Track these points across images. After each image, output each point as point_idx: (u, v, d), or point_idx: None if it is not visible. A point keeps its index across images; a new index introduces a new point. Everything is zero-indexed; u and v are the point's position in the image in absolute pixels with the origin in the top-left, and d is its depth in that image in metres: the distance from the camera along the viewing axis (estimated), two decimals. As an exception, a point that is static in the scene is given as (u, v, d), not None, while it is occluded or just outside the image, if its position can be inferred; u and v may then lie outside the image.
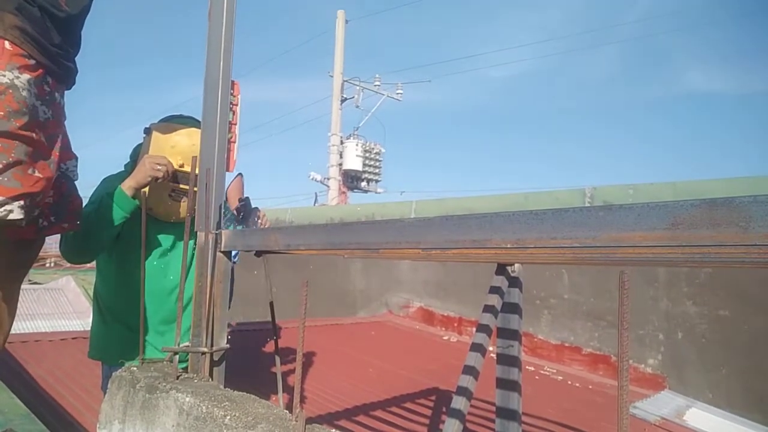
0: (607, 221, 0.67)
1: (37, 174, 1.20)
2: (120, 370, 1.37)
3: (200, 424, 1.05)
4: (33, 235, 1.33)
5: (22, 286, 1.50)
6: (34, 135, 1.19)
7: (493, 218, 0.80)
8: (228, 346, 1.39)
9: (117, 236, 1.71)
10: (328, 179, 15.21)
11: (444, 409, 2.75)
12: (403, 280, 5.50)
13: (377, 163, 16.45)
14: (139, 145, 1.79)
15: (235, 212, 1.96)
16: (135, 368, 1.35)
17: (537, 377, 3.90)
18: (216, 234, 1.37)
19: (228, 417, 1.01)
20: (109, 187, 1.69)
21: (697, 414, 3.31)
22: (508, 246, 0.78)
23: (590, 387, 3.73)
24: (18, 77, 1.15)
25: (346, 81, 15.22)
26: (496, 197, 4.77)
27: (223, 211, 1.42)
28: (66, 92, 1.35)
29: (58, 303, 8.54)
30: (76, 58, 1.35)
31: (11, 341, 2.79)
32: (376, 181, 16.65)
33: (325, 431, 0.98)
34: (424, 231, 0.90)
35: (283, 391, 1.47)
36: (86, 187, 1.74)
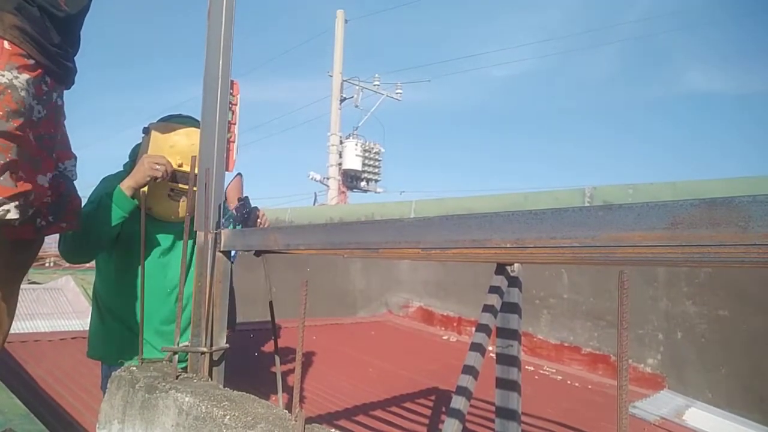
0: (606, 221, 0.67)
1: (24, 175, 1.20)
2: (119, 369, 1.37)
3: (200, 424, 1.05)
4: (31, 234, 1.33)
5: (22, 286, 1.50)
6: (24, 135, 1.19)
7: (493, 218, 0.80)
8: (227, 345, 1.39)
9: (116, 236, 1.71)
10: (328, 179, 15.21)
11: (444, 409, 2.75)
12: (402, 280, 5.50)
13: (377, 163, 16.45)
14: (138, 145, 1.79)
15: (234, 212, 1.96)
16: (134, 368, 1.35)
17: (536, 377, 3.90)
18: (215, 234, 1.37)
19: (227, 417, 1.01)
20: (108, 186, 1.68)
21: (697, 414, 3.31)
22: (508, 246, 0.78)
23: (590, 387, 3.73)
24: (17, 77, 1.15)
25: (345, 81, 15.22)
26: (496, 197, 4.77)
27: (222, 210, 1.42)
28: (65, 92, 1.35)
29: (57, 303, 8.55)
30: (75, 58, 1.35)
31: (10, 341, 2.79)
32: (376, 180, 16.65)
33: (325, 431, 0.98)
34: (423, 231, 0.90)
35: (283, 391, 1.47)
36: (85, 187, 1.74)
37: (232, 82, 1.44)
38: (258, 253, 1.35)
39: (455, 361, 3.32)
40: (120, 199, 1.63)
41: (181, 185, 1.70)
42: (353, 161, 15.46)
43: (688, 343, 3.62)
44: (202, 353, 1.34)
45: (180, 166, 1.69)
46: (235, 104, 1.45)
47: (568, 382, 3.83)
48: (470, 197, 5.17)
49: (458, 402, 1.30)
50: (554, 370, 4.03)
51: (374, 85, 16.21)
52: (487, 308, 1.37)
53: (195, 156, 1.41)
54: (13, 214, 1.16)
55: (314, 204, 14.09)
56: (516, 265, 1.39)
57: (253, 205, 2.03)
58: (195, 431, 1.06)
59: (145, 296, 1.53)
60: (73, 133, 1.44)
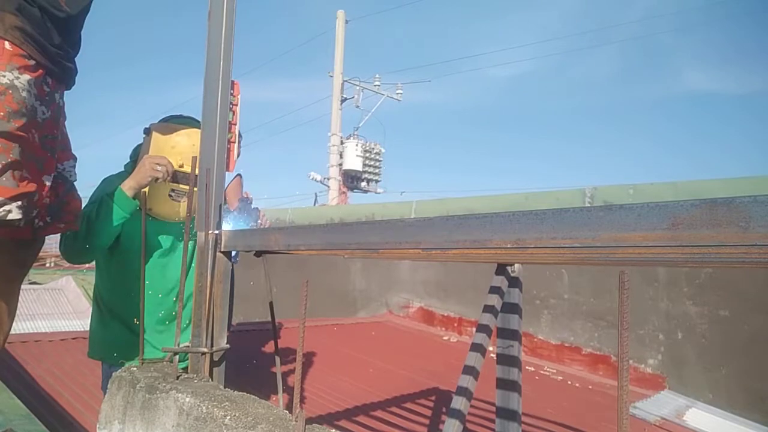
0: (607, 221, 0.67)
1: (28, 175, 1.20)
2: (120, 370, 1.37)
3: (200, 425, 1.05)
4: (29, 234, 1.33)
5: (22, 286, 1.50)
6: (28, 135, 1.19)
7: (493, 218, 0.80)
8: (228, 346, 1.38)
9: (117, 236, 1.71)
10: (328, 179, 15.20)
11: (444, 409, 2.75)
12: (403, 280, 5.50)
13: (377, 163, 16.45)
14: (139, 146, 1.79)
15: (235, 212, 1.96)
16: (135, 368, 1.35)
17: (537, 377, 3.90)
18: (216, 234, 1.37)
19: (228, 417, 1.01)
20: (109, 187, 1.69)
21: (697, 414, 3.31)
22: (508, 246, 0.78)
23: (590, 387, 3.73)
24: (18, 78, 1.15)
25: (346, 81, 15.22)
26: (497, 197, 4.77)
27: (222, 211, 1.41)
28: (66, 92, 1.35)
29: (58, 303, 8.55)
30: (75, 59, 1.35)
31: (11, 341, 2.79)
32: (376, 181, 16.65)
33: (325, 431, 0.97)
34: (424, 231, 0.90)
35: (283, 391, 1.47)
36: (86, 188, 1.74)
37: (232, 82, 1.44)
38: (258, 254, 1.35)
39: (456, 361, 3.32)
40: (121, 199, 1.64)
41: (181, 186, 1.70)
42: (354, 161, 15.46)
43: (689, 343, 3.61)
44: (203, 354, 1.34)
45: (181, 166, 1.69)
46: (236, 104, 1.45)
47: (569, 382, 3.83)
48: (471, 197, 5.17)
49: (459, 402, 1.30)
50: (555, 371, 4.03)
51: (375, 85, 16.21)
52: (488, 308, 1.37)
53: (196, 156, 1.41)
54: (15, 215, 1.16)
55: (315, 204, 14.09)
56: (516, 265, 1.39)
57: (253, 206, 2.03)
58: (195, 431, 1.06)
59: (146, 296, 1.53)
60: (73, 133, 1.44)
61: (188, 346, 1.36)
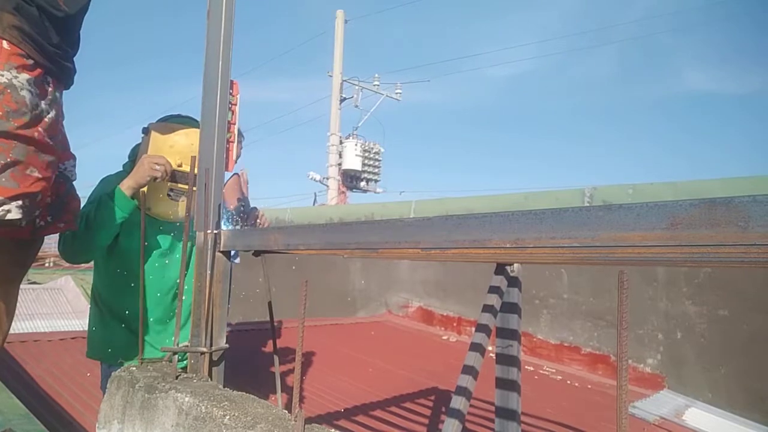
0: (606, 221, 0.67)
1: (36, 174, 1.20)
2: (119, 369, 1.37)
3: (199, 424, 1.05)
4: (29, 234, 1.32)
5: (22, 286, 1.50)
6: (36, 135, 1.19)
7: (493, 218, 0.80)
8: (227, 346, 1.38)
9: (116, 236, 1.71)
10: (328, 179, 15.20)
11: (443, 409, 2.75)
12: (402, 280, 5.50)
13: (377, 163, 16.44)
14: (138, 145, 1.79)
15: (233, 212, 1.96)
16: (134, 368, 1.35)
17: (536, 377, 3.90)
18: (215, 234, 1.37)
19: (227, 417, 1.01)
20: (107, 187, 1.69)
21: (697, 414, 3.31)
22: (508, 246, 0.78)
23: (589, 387, 3.73)
24: (16, 77, 1.15)
25: (345, 81, 15.21)
26: (496, 197, 4.77)
27: (222, 210, 1.41)
28: (64, 92, 1.35)
29: (57, 303, 8.54)
30: (74, 58, 1.35)
31: (10, 341, 2.79)
32: (376, 180, 16.64)
33: (325, 431, 0.97)
34: (423, 231, 0.90)
35: (283, 391, 1.47)
36: (85, 187, 1.74)
37: (231, 82, 1.44)
38: (257, 253, 1.34)
39: (455, 361, 3.32)
40: (120, 199, 1.63)
41: (180, 185, 1.70)
42: (353, 161, 15.45)
43: (688, 343, 3.62)
44: (202, 353, 1.34)
45: (179, 166, 1.69)
46: (235, 104, 1.45)
47: (568, 382, 3.83)
48: (470, 197, 5.17)
49: (458, 402, 1.30)
50: (554, 370, 4.03)
51: (374, 85, 16.21)
52: (487, 308, 1.37)
53: (195, 156, 1.41)
54: (15, 215, 1.16)
55: (314, 204, 14.08)
56: (516, 265, 1.39)
57: (252, 205, 2.03)
58: (195, 431, 1.06)
59: (145, 296, 1.53)
60: (73, 133, 1.43)
61: (187, 346, 1.36)
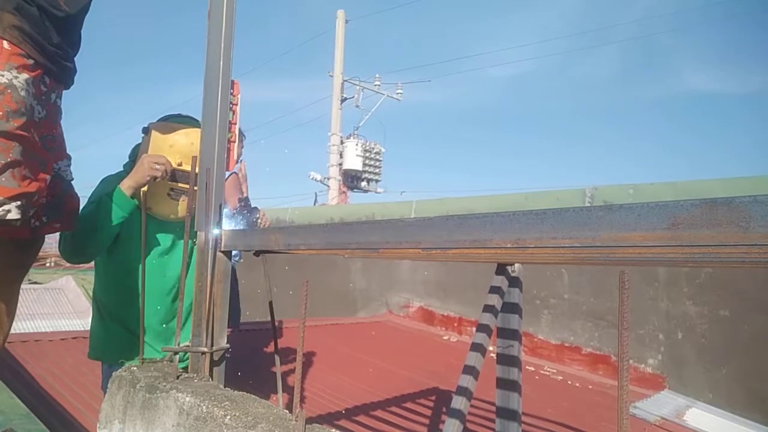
0: (607, 221, 0.67)
1: (31, 175, 1.20)
2: (120, 369, 1.37)
3: (200, 424, 1.05)
4: (26, 234, 1.33)
5: (22, 286, 1.50)
6: (29, 135, 1.19)
7: (493, 218, 0.80)
8: (228, 345, 1.38)
9: (116, 236, 1.71)
10: (328, 179, 15.20)
11: (444, 409, 2.75)
12: (403, 280, 5.50)
13: (377, 163, 16.44)
14: (138, 145, 1.79)
15: (235, 212, 1.96)
16: (135, 368, 1.35)
17: (537, 377, 3.90)
18: (216, 234, 1.37)
19: (228, 417, 1.01)
20: (108, 187, 1.68)
21: (697, 414, 3.31)
22: (508, 246, 0.78)
23: (590, 387, 3.73)
24: (16, 77, 1.15)
25: (346, 81, 15.21)
26: (497, 197, 4.77)
27: (223, 210, 1.41)
28: (64, 92, 1.35)
29: (58, 303, 8.54)
30: (75, 58, 1.35)
31: (11, 341, 2.79)
32: (376, 180, 16.64)
33: (325, 431, 0.97)
34: (424, 231, 0.90)
35: (283, 391, 1.47)
36: (85, 188, 1.74)
37: (232, 81, 1.44)
38: (258, 253, 1.35)
39: (455, 361, 3.32)
40: (120, 198, 1.63)
41: (180, 184, 1.70)
42: (354, 161, 15.45)
43: (689, 343, 3.61)
44: (203, 353, 1.34)
45: (179, 165, 1.69)
46: (236, 104, 1.45)
47: (569, 382, 3.83)
48: (471, 197, 5.17)
49: (459, 402, 1.30)
50: (555, 371, 4.03)
51: (375, 85, 16.20)
52: (488, 308, 1.37)
53: (195, 156, 1.41)
54: (14, 215, 1.16)
55: (315, 204, 14.08)
56: (516, 265, 1.39)
57: (253, 205, 2.03)
58: (195, 431, 1.06)
59: (145, 296, 1.53)
60: (73, 133, 1.44)
61: (188, 346, 1.36)
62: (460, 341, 4.67)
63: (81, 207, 1.53)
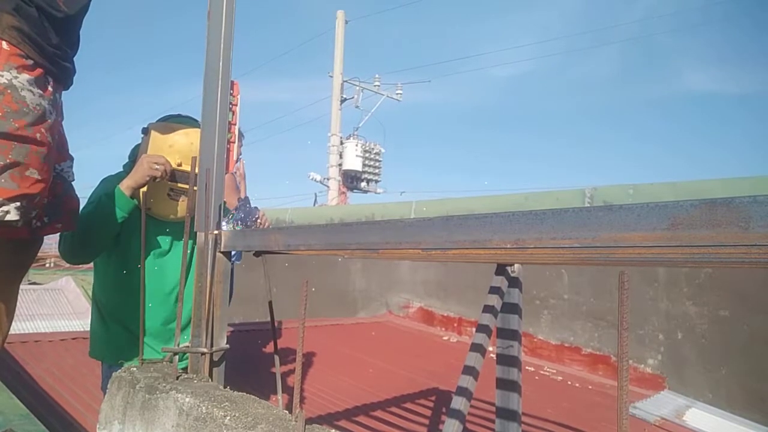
0: (607, 221, 0.67)
1: (35, 176, 1.20)
2: (120, 370, 1.37)
3: (200, 425, 1.05)
4: (27, 234, 1.32)
5: (22, 287, 1.50)
6: (38, 136, 1.19)
7: (493, 218, 0.80)
8: (228, 346, 1.38)
9: (116, 236, 1.71)
10: (328, 179, 15.20)
11: (444, 409, 2.75)
12: (403, 281, 5.50)
13: (377, 164, 16.44)
14: (138, 146, 1.79)
15: (236, 213, 1.96)
16: (135, 369, 1.35)
17: (537, 377, 3.90)
18: (216, 234, 1.37)
19: (228, 417, 1.01)
20: (107, 187, 1.68)
21: (697, 414, 3.31)
22: (508, 246, 0.78)
23: (590, 387, 3.73)
24: (16, 77, 1.15)
25: (345, 81, 15.21)
26: (497, 197, 4.77)
27: (222, 211, 1.41)
28: (63, 92, 1.35)
29: (57, 303, 8.54)
30: (74, 58, 1.35)
31: (11, 341, 2.79)
32: (376, 181, 16.64)
33: (325, 431, 0.97)
34: (424, 231, 0.90)
35: (283, 392, 1.47)
36: (85, 188, 1.74)
37: (232, 82, 1.44)
38: (258, 254, 1.34)
39: (455, 361, 3.32)
40: (119, 199, 1.63)
41: (180, 184, 1.70)
42: (353, 162, 15.45)
43: (689, 343, 3.61)
44: (203, 354, 1.34)
45: (179, 165, 1.69)
46: (236, 104, 1.45)
47: (569, 382, 3.83)
48: (470, 198, 5.17)
49: (458, 402, 1.30)
50: (555, 371, 4.03)
51: (374, 85, 16.20)
52: (488, 309, 1.37)
53: (195, 156, 1.41)
54: (13, 216, 1.16)
55: (314, 204, 14.09)
56: (516, 265, 1.39)
57: (253, 205, 2.02)
58: (195, 431, 1.06)
59: (145, 296, 1.53)
60: (73, 134, 1.44)
61: (188, 347, 1.36)
62: (460, 341, 4.67)
63: (81, 207, 1.53)
